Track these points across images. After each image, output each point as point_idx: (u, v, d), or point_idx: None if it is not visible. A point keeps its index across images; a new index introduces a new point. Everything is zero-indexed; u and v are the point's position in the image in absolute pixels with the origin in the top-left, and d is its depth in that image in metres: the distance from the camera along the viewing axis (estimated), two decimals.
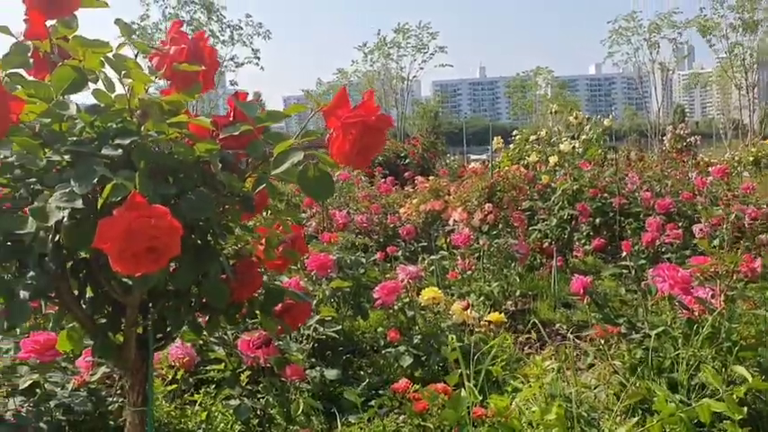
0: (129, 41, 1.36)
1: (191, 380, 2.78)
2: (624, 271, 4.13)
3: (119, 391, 2.60)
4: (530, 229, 5.37)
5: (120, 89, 1.36)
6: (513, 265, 4.74)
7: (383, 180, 8.53)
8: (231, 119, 1.45)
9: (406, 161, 12.23)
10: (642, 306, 2.95)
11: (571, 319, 4.12)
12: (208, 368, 2.74)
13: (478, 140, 58.92)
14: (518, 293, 4.57)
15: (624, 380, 2.44)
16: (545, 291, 4.75)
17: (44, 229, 1.22)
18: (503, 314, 3.47)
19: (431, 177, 7.03)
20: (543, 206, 5.43)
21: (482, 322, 3.36)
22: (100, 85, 1.35)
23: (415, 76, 33.47)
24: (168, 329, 1.51)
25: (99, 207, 1.10)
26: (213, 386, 2.72)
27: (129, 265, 1.06)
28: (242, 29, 25.81)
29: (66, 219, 1.17)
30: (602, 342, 2.72)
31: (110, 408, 2.44)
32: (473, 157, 23.61)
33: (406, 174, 10.27)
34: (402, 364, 2.98)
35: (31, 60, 1.28)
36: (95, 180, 1.14)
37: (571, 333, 3.06)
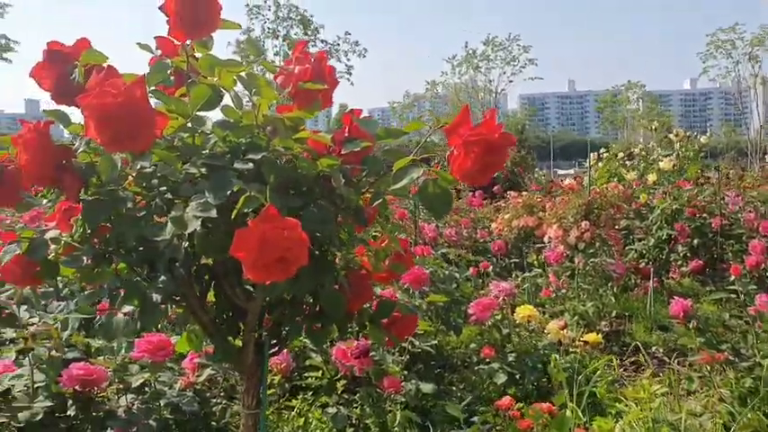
0: (260, 62, 1.42)
1: (286, 385, 2.85)
2: (731, 295, 3.96)
3: (221, 394, 2.70)
4: (626, 248, 5.23)
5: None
6: (608, 284, 4.62)
7: (472, 194, 8.48)
8: (347, 134, 1.49)
9: (495, 175, 12.06)
10: (751, 333, 2.83)
11: (668, 342, 3.98)
12: (305, 375, 2.81)
13: (566, 155, 57.89)
14: (613, 314, 4.46)
15: (733, 409, 2.34)
16: (640, 312, 4.61)
17: (177, 236, 1.29)
18: (598, 335, 3.40)
19: (523, 192, 6.93)
20: (641, 225, 5.27)
21: (577, 342, 3.30)
22: (227, 101, 1.42)
23: (503, 89, 33.27)
24: (283, 335, 1.57)
25: (233, 217, 1.16)
26: (310, 393, 2.78)
27: (262, 273, 1.11)
28: (339, 45, 26.49)
29: (198, 228, 1.24)
30: (708, 368, 2.63)
31: (213, 409, 2.53)
32: (560, 171, 23.14)
33: (495, 188, 10.15)
34: (496, 381, 2.95)
35: (172, 78, 1.36)
36: (229, 192, 1.19)
37: (669, 357, 2.97)
